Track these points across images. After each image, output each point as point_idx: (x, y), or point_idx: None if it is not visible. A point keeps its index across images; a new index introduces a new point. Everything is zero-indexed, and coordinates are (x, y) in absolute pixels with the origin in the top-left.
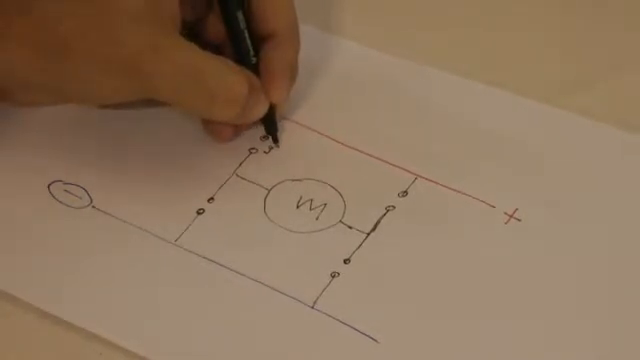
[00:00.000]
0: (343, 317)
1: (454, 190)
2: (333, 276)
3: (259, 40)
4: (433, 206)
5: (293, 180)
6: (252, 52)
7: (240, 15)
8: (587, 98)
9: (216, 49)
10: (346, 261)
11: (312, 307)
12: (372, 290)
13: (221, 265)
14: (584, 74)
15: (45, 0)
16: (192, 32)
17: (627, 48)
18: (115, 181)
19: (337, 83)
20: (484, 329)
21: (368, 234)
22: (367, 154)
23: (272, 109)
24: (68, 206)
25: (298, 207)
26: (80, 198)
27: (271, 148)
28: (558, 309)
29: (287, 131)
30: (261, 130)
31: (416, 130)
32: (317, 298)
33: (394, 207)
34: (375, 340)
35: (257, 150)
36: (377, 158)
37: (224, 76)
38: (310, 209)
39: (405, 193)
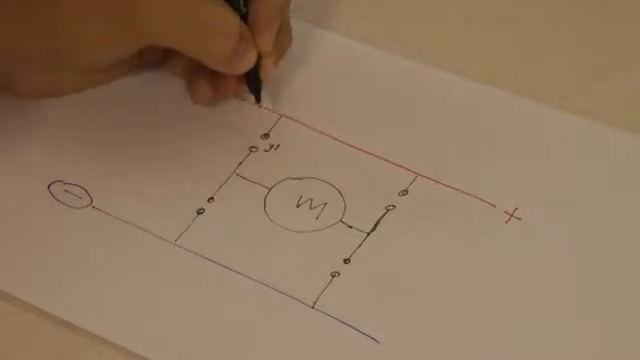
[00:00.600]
0: (343, 317)
1: (455, 189)
2: (333, 276)
3: None
4: (434, 205)
5: (293, 179)
6: (242, 1)
7: None
8: (588, 98)
9: None
10: (346, 261)
11: (312, 307)
12: (372, 290)
13: (221, 265)
14: (585, 75)
15: None
16: None
17: (629, 49)
18: (115, 181)
19: (338, 82)
20: (484, 328)
21: (368, 233)
22: (367, 153)
23: (257, 64)
24: (68, 206)
25: (298, 206)
26: (80, 198)
27: (271, 146)
28: (558, 309)
29: (287, 130)
30: (261, 128)
31: (417, 129)
32: (317, 298)
33: (394, 206)
34: (375, 340)
35: (257, 149)
36: (377, 157)
37: (217, 9)
38: (310, 208)
39: (405, 192)
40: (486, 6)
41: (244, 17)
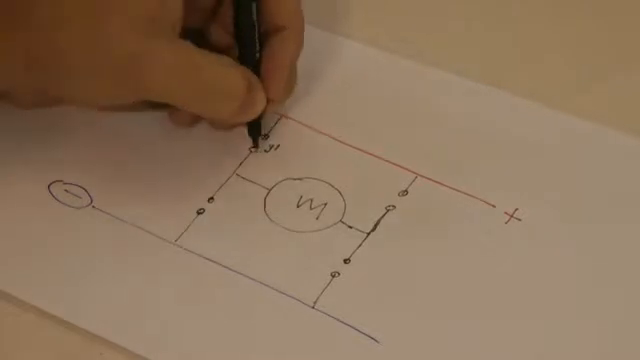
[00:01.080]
0: (343, 317)
1: (454, 189)
2: (333, 276)
3: (263, 36)
4: (433, 205)
5: (293, 179)
6: (258, 47)
7: (254, 6)
8: (587, 99)
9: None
10: (346, 261)
11: (312, 307)
12: (372, 290)
13: (221, 265)
14: (585, 75)
15: (44, 5)
16: (195, 39)
17: (629, 49)
18: (115, 181)
19: (338, 82)
20: (484, 329)
21: (368, 234)
22: (367, 153)
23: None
24: (68, 206)
25: (298, 206)
26: (80, 198)
27: (271, 147)
28: (558, 309)
29: (287, 130)
30: (262, 128)
31: (417, 129)
32: (317, 298)
33: (394, 207)
34: (375, 340)
35: (257, 149)
36: (377, 157)
37: (222, 70)
38: (310, 208)
39: (405, 192)
40: (486, 6)
41: (257, 63)
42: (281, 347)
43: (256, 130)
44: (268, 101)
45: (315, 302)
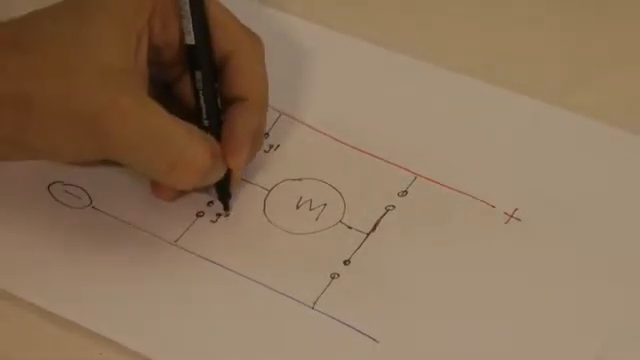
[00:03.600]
0: (343, 317)
1: (454, 190)
2: (333, 277)
3: (228, 103)
4: (433, 206)
5: (293, 180)
6: (204, 114)
7: (198, 74)
8: (588, 97)
9: (189, 112)
10: (346, 262)
11: (312, 307)
12: (372, 290)
13: (221, 266)
14: (585, 73)
15: (9, 53)
16: (169, 93)
17: (628, 46)
18: (115, 181)
19: (338, 82)
20: (484, 329)
21: (368, 234)
22: (367, 153)
23: (227, 175)
24: (68, 206)
25: (298, 208)
26: (80, 198)
27: (271, 147)
28: (558, 309)
29: (287, 130)
30: None
31: (416, 129)
32: (317, 298)
33: (394, 207)
34: (375, 340)
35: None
36: (377, 157)
37: (186, 145)
38: (310, 209)
39: (405, 193)
40: (486, 5)
41: (206, 128)
42: (281, 347)
43: (224, 192)
44: (228, 170)
45: (315, 303)
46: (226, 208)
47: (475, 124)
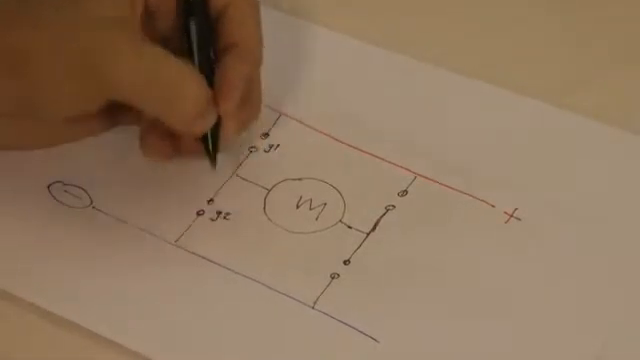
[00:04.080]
0: (343, 317)
1: (454, 189)
2: (333, 277)
3: (222, 51)
4: (433, 205)
5: (293, 179)
6: (197, 63)
7: (192, 25)
8: (588, 97)
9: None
10: (346, 262)
11: (312, 307)
12: (372, 290)
13: (221, 266)
14: (585, 74)
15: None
16: (164, 43)
17: (628, 47)
18: (115, 181)
19: (338, 82)
20: (484, 329)
21: (368, 234)
22: (367, 153)
23: (216, 129)
24: (68, 206)
25: (298, 207)
26: (80, 199)
27: (271, 146)
28: (558, 309)
29: (287, 130)
30: (261, 128)
31: (416, 129)
32: (317, 298)
33: (394, 206)
34: (375, 340)
35: (257, 149)
36: (377, 157)
37: (183, 72)
38: (310, 209)
39: (405, 192)
40: (486, 5)
41: (210, 78)
42: (281, 347)
43: (212, 148)
44: (220, 118)
45: (315, 302)
46: (213, 164)
47: (475, 124)
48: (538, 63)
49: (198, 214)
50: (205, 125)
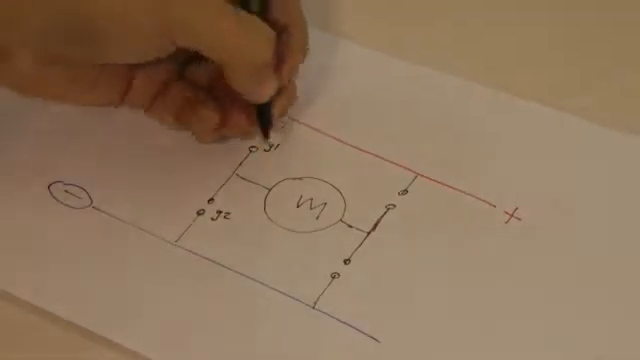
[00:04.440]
0: (344, 317)
1: (454, 189)
2: (333, 277)
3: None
4: (433, 205)
5: (293, 179)
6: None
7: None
8: (588, 100)
9: None
10: (346, 261)
11: (313, 307)
12: (373, 290)
13: (221, 265)
14: (585, 75)
15: None
16: None
17: (629, 50)
18: (115, 181)
19: (338, 82)
20: (484, 328)
21: (368, 233)
22: (367, 152)
23: (269, 103)
24: (68, 206)
25: (298, 206)
26: (80, 198)
27: (271, 146)
28: (558, 309)
29: (287, 129)
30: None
31: (417, 129)
32: (318, 298)
33: (394, 206)
34: (376, 340)
35: (257, 148)
36: (377, 156)
37: (254, 19)
38: (310, 208)
39: (405, 192)
40: (486, 7)
41: None
42: (281, 347)
43: (266, 119)
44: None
45: (315, 302)
46: (266, 136)
47: (475, 124)
48: (538, 65)
49: (198, 214)
50: (267, 93)
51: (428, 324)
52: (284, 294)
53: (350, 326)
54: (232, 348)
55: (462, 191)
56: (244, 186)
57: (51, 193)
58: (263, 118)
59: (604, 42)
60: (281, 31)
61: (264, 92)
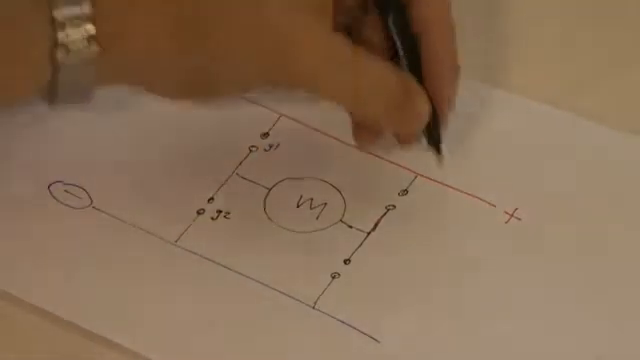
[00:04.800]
0: (344, 317)
1: (454, 189)
2: (333, 277)
3: (417, 42)
4: (433, 205)
5: (293, 179)
6: (402, 52)
7: (389, 18)
8: (588, 99)
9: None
10: (346, 261)
11: (313, 307)
12: (373, 290)
13: (221, 265)
14: (584, 75)
15: None
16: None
17: (629, 49)
18: (115, 181)
19: None
20: (484, 328)
21: (368, 233)
22: (367, 152)
23: (434, 118)
24: (68, 206)
25: (298, 206)
26: (80, 198)
27: (271, 146)
28: (558, 309)
29: (287, 129)
30: (261, 128)
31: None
32: (318, 298)
33: (394, 206)
34: (376, 340)
35: (257, 148)
36: (377, 157)
37: (371, 67)
38: (310, 208)
39: (405, 192)
40: (485, 6)
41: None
42: (281, 347)
43: (434, 138)
44: (437, 104)
45: (315, 302)
46: (438, 152)
47: (475, 124)
48: (538, 65)
49: (198, 213)
50: (420, 120)
51: (428, 324)
52: (284, 294)
53: (350, 326)
54: (232, 348)
55: (462, 191)
56: (244, 186)
57: (51, 193)
58: (428, 137)
59: (604, 42)
60: (423, 37)
61: (413, 127)
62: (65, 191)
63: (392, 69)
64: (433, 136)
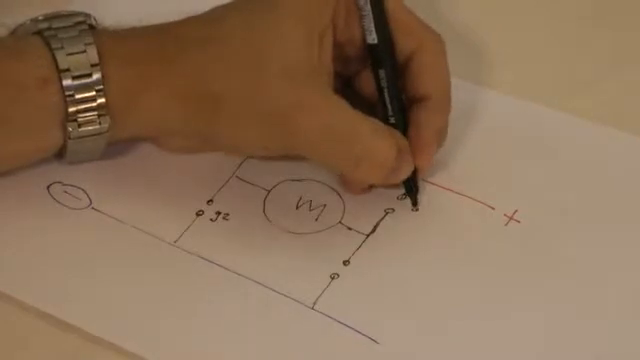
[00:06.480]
0: (343, 318)
1: (454, 191)
2: (332, 278)
3: (411, 101)
4: (432, 208)
5: (293, 180)
6: (390, 112)
7: (382, 73)
8: (588, 100)
9: (370, 106)
10: (345, 262)
11: (312, 308)
12: (372, 291)
13: (220, 266)
14: (584, 75)
15: (188, 49)
16: (348, 86)
17: (628, 50)
18: (115, 182)
19: None
20: (484, 330)
21: (367, 235)
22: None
23: (415, 171)
24: (68, 207)
25: (298, 208)
26: (80, 199)
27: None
28: (558, 309)
29: None
30: None
31: None
32: (317, 299)
33: (393, 209)
34: (375, 341)
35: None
36: None
37: (372, 141)
38: (310, 210)
39: (404, 196)
40: (484, 7)
41: (393, 126)
42: (281, 348)
43: (412, 188)
44: (418, 162)
45: (315, 303)
46: (414, 203)
47: (474, 126)
48: (537, 65)
49: (197, 214)
50: (402, 177)
51: (427, 325)
52: (283, 295)
53: (349, 327)
54: (231, 348)
55: (461, 193)
56: (243, 187)
57: (51, 194)
58: (407, 186)
59: (604, 42)
60: (419, 101)
61: (395, 181)
62: (65, 192)
63: (387, 134)
64: (411, 187)
